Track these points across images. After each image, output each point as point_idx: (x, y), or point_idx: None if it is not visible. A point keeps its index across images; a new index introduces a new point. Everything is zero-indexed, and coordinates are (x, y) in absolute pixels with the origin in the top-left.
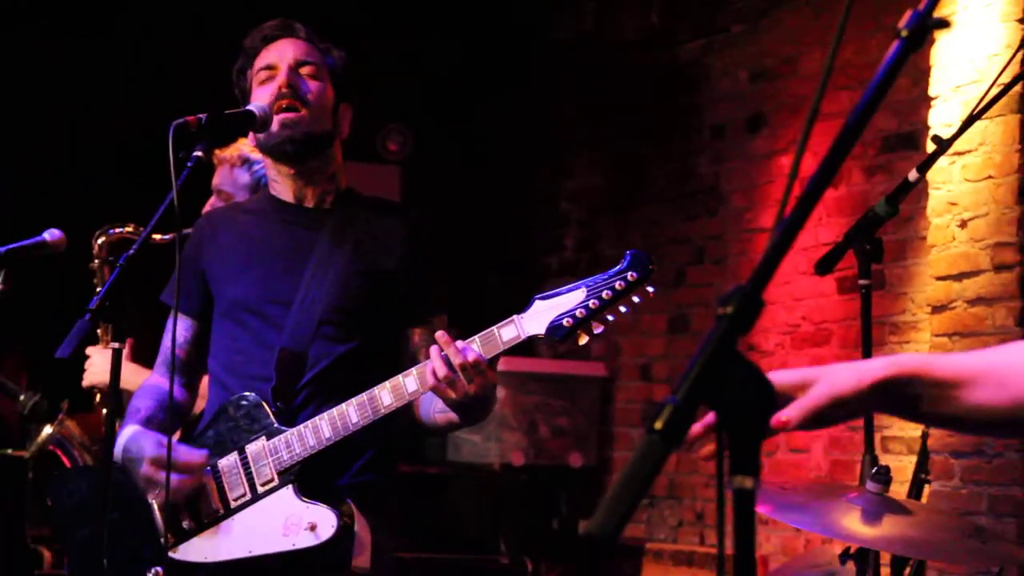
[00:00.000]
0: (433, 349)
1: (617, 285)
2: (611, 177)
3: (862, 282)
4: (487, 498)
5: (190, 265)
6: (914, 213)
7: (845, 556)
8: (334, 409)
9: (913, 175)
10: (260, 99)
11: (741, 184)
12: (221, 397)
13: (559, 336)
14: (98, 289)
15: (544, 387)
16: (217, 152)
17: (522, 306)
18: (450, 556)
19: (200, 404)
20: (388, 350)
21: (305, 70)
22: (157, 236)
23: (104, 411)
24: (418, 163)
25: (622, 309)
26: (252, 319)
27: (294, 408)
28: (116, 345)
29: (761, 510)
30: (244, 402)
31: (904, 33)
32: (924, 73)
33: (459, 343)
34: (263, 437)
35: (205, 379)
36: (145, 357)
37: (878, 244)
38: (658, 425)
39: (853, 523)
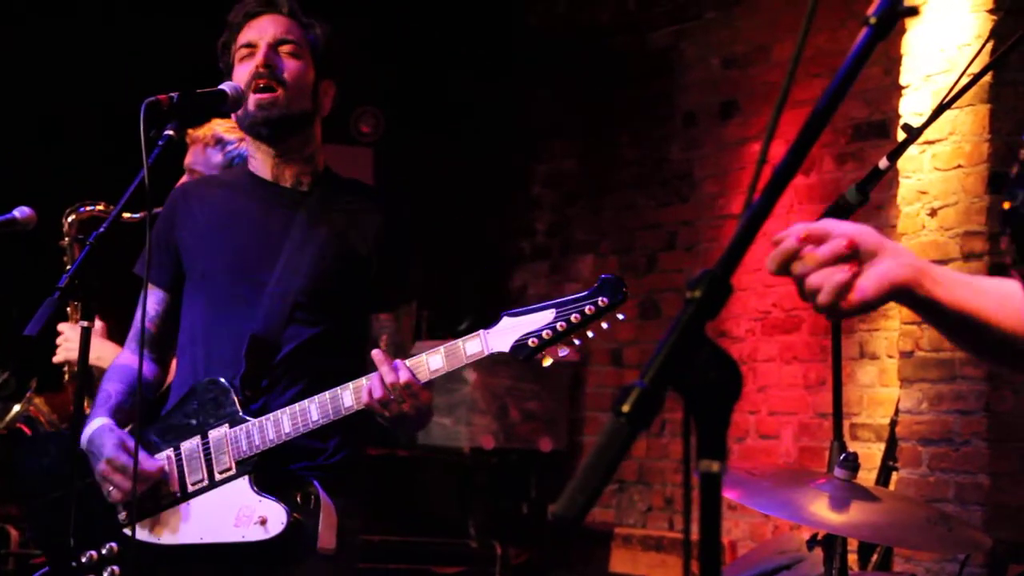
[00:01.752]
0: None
1: (587, 309)
2: (584, 162)
3: None
4: (457, 481)
5: (163, 236)
6: (884, 201)
7: (812, 542)
8: (296, 405)
9: (884, 163)
10: (240, 77)
11: (713, 171)
12: (188, 373)
13: (523, 355)
14: (68, 267)
15: (514, 371)
16: (190, 131)
17: (492, 294)
18: (419, 539)
19: (169, 378)
20: (356, 335)
21: (285, 48)
22: (128, 215)
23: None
24: (390, 145)
25: (589, 334)
26: (223, 295)
27: (259, 389)
28: (85, 323)
29: (729, 495)
30: (212, 386)
31: (873, 20)
32: (895, 62)
33: (396, 362)
34: (226, 424)
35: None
36: (120, 336)
37: None
38: (625, 408)
39: (821, 509)
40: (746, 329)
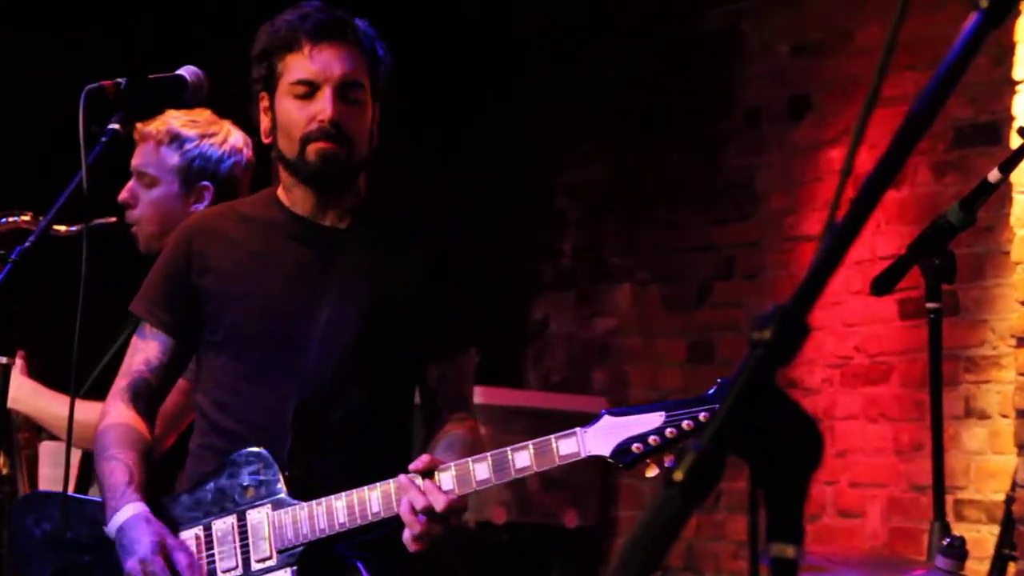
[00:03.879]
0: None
1: (701, 416)
2: (619, 169)
3: (930, 306)
4: (460, 562)
5: (176, 277)
6: (995, 222)
7: None
8: (354, 494)
9: (994, 175)
10: (289, 116)
11: (780, 181)
12: (214, 443)
13: (625, 462)
14: None
15: (533, 425)
16: (139, 126)
17: (507, 329)
18: None
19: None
20: (411, 391)
21: (352, 94)
22: (61, 227)
23: None
24: (386, 152)
25: None
26: (257, 354)
27: (310, 471)
28: (3, 360)
29: None
30: (254, 459)
31: (984, 3)
32: (1007, 51)
33: (432, 480)
34: (268, 506)
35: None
36: (50, 375)
37: (950, 259)
38: (678, 476)
39: None
40: (822, 379)
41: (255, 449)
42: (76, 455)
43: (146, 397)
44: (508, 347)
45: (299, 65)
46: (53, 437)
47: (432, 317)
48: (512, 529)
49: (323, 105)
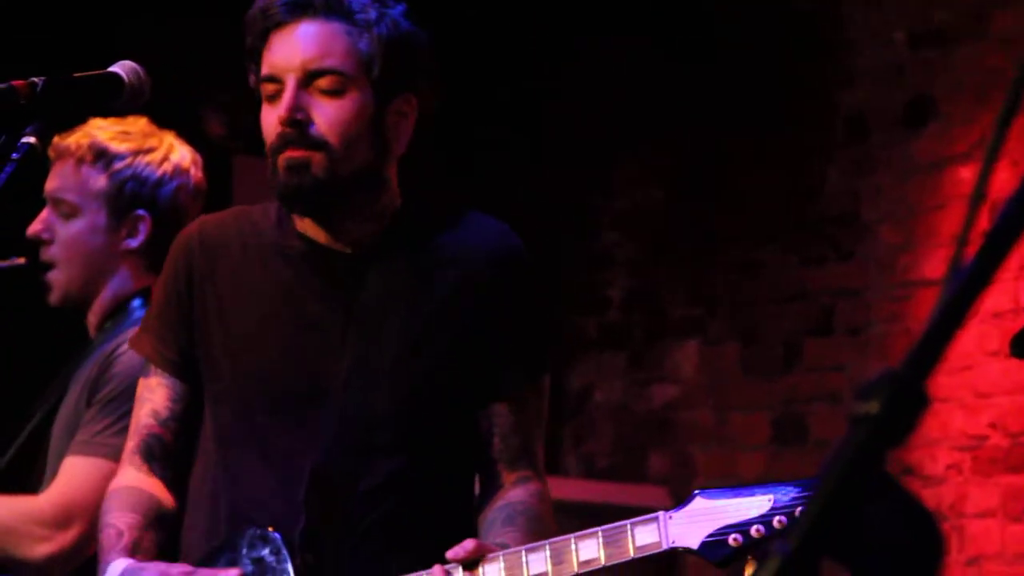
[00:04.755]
0: None
1: None
2: (681, 195)
3: None
4: None
5: (176, 304)
6: None
7: None
8: None
9: None
10: (263, 126)
11: (894, 210)
12: (209, 517)
13: (719, 557)
14: None
15: (576, 524)
16: (56, 140)
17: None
18: None
19: None
20: (459, 453)
21: (321, 83)
22: None
23: None
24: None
25: None
26: (264, 411)
27: (328, 559)
28: None
29: None
30: (262, 543)
31: None
32: None
33: (474, 574)
34: None
35: None
36: None
37: None
38: None
39: None
40: (947, 465)
41: (261, 530)
42: None
43: (161, 456)
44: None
45: (265, 59)
46: None
47: (488, 349)
48: None
49: (284, 101)
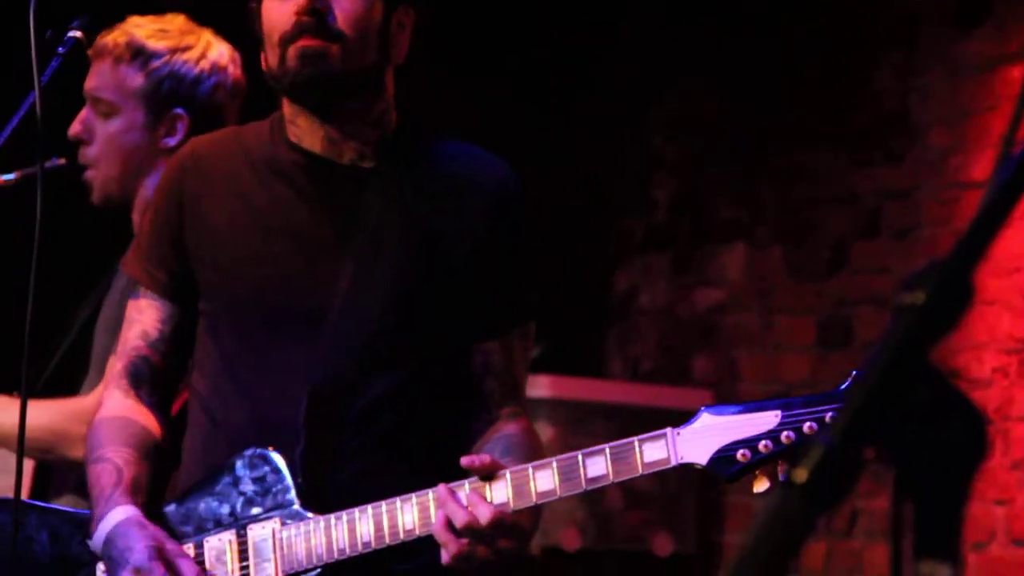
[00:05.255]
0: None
1: (828, 417)
2: (729, 98)
3: None
4: None
5: (168, 224)
6: None
7: None
8: (382, 505)
9: None
10: (271, 19)
11: (944, 112)
12: (206, 437)
13: (727, 473)
14: None
15: (617, 425)
16: (96, 39)
17: (585, 301)
18: None
19: None
20: (453, 375)
21: None
22: (2, 177)
23: None
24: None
25: None
26: (261, 331)
27: (328, 478)
28: None
29: None
30: (259, 463)
31: None
32: None
33: (478, 491)
34: (275, 519)
35: None
36: None
37: None
38: (800, 476)
39: None
40: (993, 368)
41: (260, 450)
42: (29, 465)
43: (149, 379)
44: (586, 326)
45: None
46: None
47: (480, 283)
48: (588, 558)
49: None
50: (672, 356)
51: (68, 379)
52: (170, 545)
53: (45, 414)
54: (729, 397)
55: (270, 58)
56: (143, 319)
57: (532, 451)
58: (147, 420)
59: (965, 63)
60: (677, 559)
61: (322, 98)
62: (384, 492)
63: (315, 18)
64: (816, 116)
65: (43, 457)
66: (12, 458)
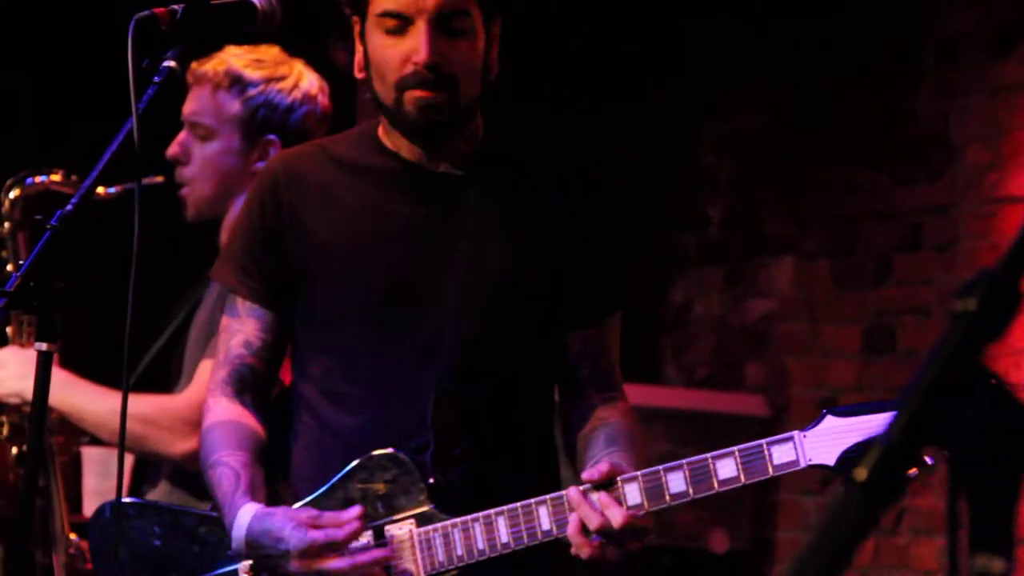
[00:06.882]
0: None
1: None
2: (780, 117)
3: None
4: None
5: (265, 233)
6: None
7: None
8: (518, 507)
9: None
10: (383, 56)
11: (982, 130)
12: (325, 440)
13: None
14: (12, 265)
15: (675, 430)
16: (194, 66)
17: (639, 313)
18: None
19: None
20: (550, 376)
21: (455, 24)
22: (102, 189)
23: (14, 448)
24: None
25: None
26: (373, 337)
27: (451, 470)
28: (43, 346)
29: None
30: (390, 465)
31: None
32: None
33: (610, 493)
34: (412, 521)
35: None
36: (87, 365)
37: None
38: (860, 474)
39: None
40: None
41: (388, 451)
42: (129, 460)
43: (253, 386)
44: (643, 335)
45: None
46: (95, 441)
47: (575, 277)
48: (646, 554)
49: (416, 44)
50: (725, 363)
51: (155, 384)
52: (304, 514)
53: (137, 405)
54: (779, 402)
55: (383, 94)
56: (244, 328)
57: (633, 437)
58: (255, 424)
59: (1002, 84)
60: (732, 556)
61: (439, 136)
62: (497, 492)
63: (434, 73)
64: (860, 135)
65: (129, 448)
66: (112, 462)
